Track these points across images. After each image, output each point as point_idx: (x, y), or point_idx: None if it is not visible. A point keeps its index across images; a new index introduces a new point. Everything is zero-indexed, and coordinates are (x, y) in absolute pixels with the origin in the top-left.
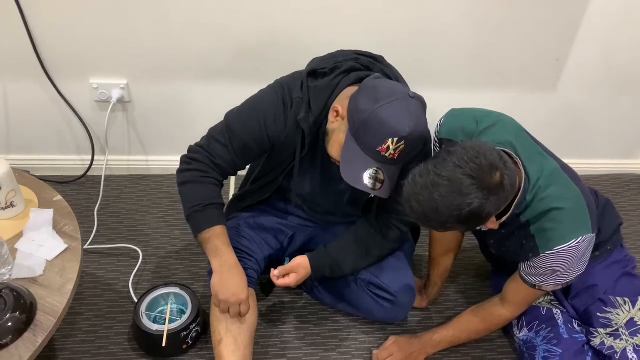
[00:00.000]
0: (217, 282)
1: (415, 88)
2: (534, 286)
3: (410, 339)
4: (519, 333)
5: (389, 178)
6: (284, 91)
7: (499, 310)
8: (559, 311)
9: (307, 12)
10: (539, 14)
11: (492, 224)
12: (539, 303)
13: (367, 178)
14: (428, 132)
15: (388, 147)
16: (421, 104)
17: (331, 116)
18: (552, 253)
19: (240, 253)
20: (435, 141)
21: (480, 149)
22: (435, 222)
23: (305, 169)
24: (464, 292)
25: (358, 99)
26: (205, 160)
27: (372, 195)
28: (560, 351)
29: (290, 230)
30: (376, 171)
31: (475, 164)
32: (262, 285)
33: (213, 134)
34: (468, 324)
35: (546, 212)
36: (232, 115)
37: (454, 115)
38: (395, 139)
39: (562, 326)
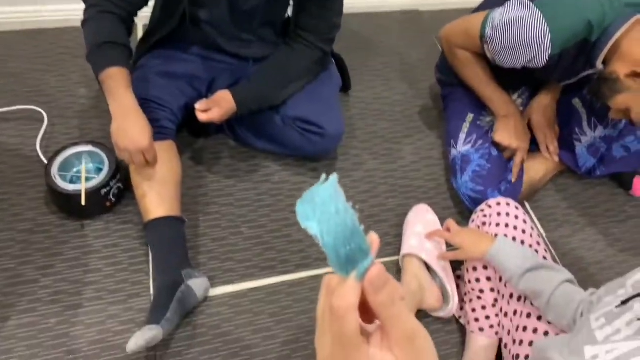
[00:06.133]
0: (114, 129)
1: None
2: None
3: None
4: (462, 147)
5: None
6: None
7: None
8: None
9: None
10: None
11: None
12: (486, 123)
13: None
14: None
15: None
16: None
17: None
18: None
19: (151, 104)
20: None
21: None
22: None
23: None
24: None
25: None
26: None
27: (288, 15)
28: (489, 166)
29: (209, 75)
30: None
31: None
32: (190, 128)
33: None
34: None
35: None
36: None
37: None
38: None
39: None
